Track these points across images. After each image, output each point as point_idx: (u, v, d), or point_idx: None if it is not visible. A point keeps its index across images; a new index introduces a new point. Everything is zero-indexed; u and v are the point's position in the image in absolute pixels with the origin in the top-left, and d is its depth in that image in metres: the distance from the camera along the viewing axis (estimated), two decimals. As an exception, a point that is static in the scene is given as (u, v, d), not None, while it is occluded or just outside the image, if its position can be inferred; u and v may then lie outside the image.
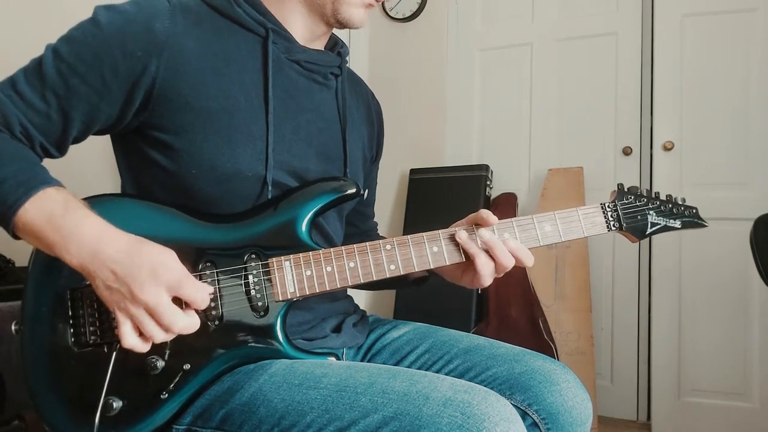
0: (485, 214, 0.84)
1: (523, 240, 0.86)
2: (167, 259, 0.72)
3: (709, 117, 2.30)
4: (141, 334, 0.71)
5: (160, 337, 0.71)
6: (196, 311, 0.74)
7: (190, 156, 0.81)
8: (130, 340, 0.70)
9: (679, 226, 0.93)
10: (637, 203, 0.92)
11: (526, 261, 0.84)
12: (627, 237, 0.93)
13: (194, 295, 0.72)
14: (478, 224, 0.85)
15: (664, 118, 2.35)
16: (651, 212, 0.92)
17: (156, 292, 0.69)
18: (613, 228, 0.90)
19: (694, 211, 0.94)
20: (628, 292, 2.46)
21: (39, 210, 0.72)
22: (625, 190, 0.93)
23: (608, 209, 0.91)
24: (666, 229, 0.93)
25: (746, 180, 2.25)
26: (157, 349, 0.74)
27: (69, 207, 0.73)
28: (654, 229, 0.92)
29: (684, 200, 0.95)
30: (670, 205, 0.93)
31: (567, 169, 2.51)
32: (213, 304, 0.77)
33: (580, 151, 2.55)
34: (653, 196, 0.93)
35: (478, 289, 0.89)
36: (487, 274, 0.83)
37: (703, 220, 0.94)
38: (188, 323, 0.72)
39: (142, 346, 0.71)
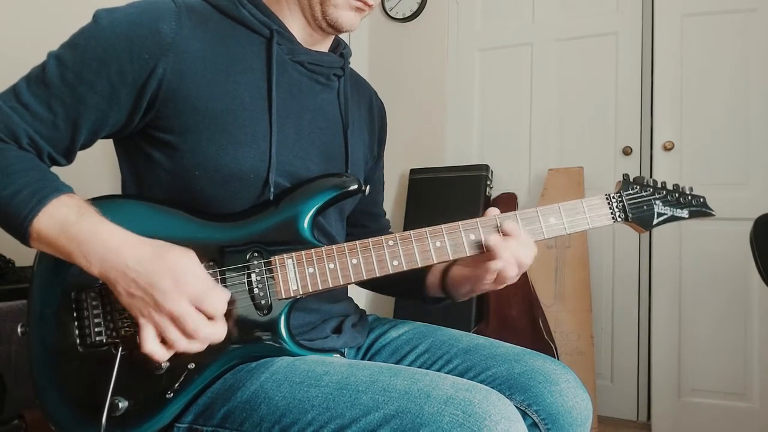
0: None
1: (527, 233, 0.86)
2: (189, 266, 0.71)
3: (709, 117, 2.30)
4: (162, 341, 0.70)
5: (183, 344, 0.70)
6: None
7: (193, 157, 0.80)
8: (150, 345, 0.70)
9: (687, 216, 0.91)
10: (643, 193, 0.90)
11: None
12: (633, 228, 0.92)
13: (215, 310, 0.71)
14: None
15: (664, 118, 2.35)
16: (657, 202, 0.91)
17: (179, 302, 0.69)
18: (618, 219, 0.89)
19: (701, 200, 0.93)
20: (628, 292, 2.46)
21: (52, 219, 0.71)
22: (631, 180, 0.91)
23: (614, 200, 0.90)
24: (673, 219, 0.91)
25: (746, 180, 2.24)
26: None
27: (82, 214, 0.72)
28: (661, 219, 0.91)
29: (692, 189, 0.93)
30: (677, 195, 0.92)
31: (567, 169, 2.51)
32: None
33: (580, 151, 2.55)
34: (659, 186, 0.92)
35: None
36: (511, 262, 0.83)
37: (711, 209, 0.92)
38: (213, 331, 0.71)
39: (162, 353, 0.70)
